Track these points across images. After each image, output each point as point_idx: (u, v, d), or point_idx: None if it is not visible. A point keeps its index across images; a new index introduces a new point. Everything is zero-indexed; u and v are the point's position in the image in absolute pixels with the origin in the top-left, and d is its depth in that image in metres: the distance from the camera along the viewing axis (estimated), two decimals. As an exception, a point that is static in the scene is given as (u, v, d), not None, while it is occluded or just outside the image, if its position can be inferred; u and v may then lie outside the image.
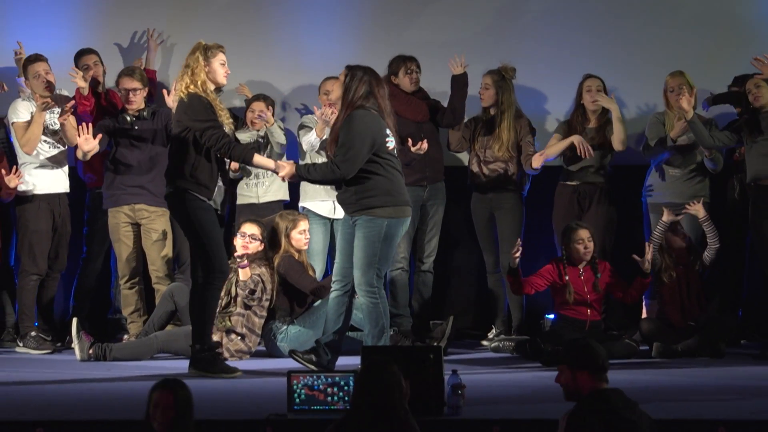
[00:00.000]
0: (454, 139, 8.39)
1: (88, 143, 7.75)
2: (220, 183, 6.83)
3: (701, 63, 8.62)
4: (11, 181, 7.79)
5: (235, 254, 7.70)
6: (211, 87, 6.81)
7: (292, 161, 6.96)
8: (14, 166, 7.90)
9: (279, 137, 8.19)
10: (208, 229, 6.75)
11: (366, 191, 6.55)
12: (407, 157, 8.07)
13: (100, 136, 7.84)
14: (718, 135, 7.92)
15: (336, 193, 6.79)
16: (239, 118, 8.22)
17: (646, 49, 8.73)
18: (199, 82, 6.74)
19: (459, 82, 8.25)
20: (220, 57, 6.83)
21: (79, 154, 7.84)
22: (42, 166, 8.07)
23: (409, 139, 7.92)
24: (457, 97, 8.26)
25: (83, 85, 8.08)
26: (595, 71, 8.35)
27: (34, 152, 7.97)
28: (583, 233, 7.68)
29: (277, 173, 6.84)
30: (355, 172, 6.52)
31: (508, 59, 8.35)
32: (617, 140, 8.16)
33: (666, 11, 8.79)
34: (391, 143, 6.65)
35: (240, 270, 7.63)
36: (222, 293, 7.66)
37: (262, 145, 8.19)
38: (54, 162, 8.12)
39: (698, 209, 7.90)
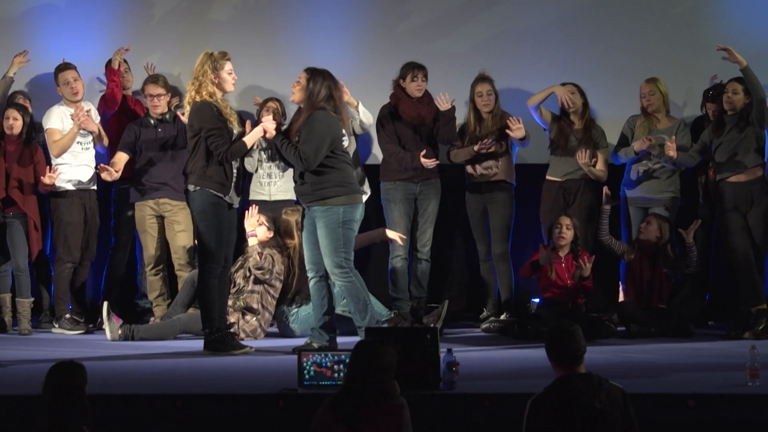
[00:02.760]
0: (458, 160, 8.39)
1: (111, 176, 7.93)
2: (236, 181, 6.86)
3: (679, 67, 8.63)
4: (49, 179, 7.85)
5: (247, 234, 7.76)
6: (220, 95, 6.82)
7: (276, 127, 6.88)
8: (50, 166, 7.96)
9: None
10: (218, 224, 6.78)
11: (321, 183, 6.62)
12: (414, 163, 8.10)
13: (121, 169, 8.01)
14: (693, 154, 7.94)
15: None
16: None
17: (629, 55, 8.72)
18: (204, 93, 6.75)
19: (447, 116, 8.25)
20: (228, 66, 6.84)
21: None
22: (74, 165, 8.13)
23: (424, 150, 8.05)
24: (445, 129, 8.26)
25: (117, 58, 8.27)
26: (579, 75, 8.37)
27: (67, 153, 8.06)
28: (564, 220, 7.73)
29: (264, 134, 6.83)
30: (316, 166, 6.59)
31: (501, 66, 8.40)
32: (596, 177, 8.21)
33: (646, 18, 8.79)
34: (346, 141, 6.73)
35: (249, 239, 7.68)
36: (240, 279, 7.70)
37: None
38: (84, 162, 8.17)
39: (687, 235, 7.86)
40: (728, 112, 7.73)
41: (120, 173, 8.01)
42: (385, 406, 4.33)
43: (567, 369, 4.29)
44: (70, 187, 8.09)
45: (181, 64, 8.67)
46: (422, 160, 8.05)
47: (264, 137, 6.88)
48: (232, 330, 7.06)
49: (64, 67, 8.16)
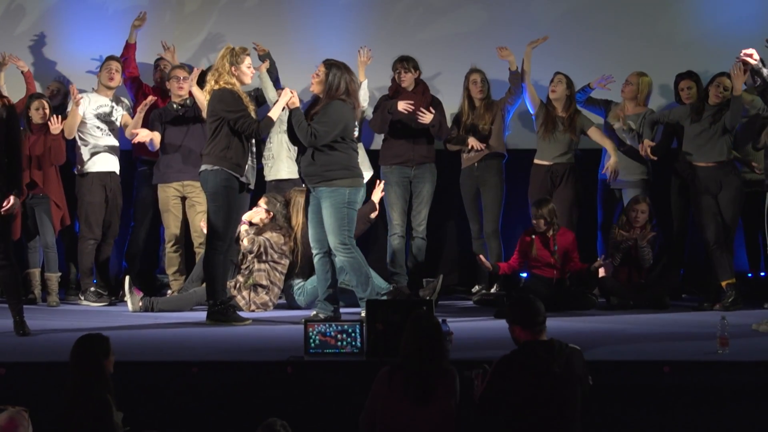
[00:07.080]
0: (453, 149, 8.39)
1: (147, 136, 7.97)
2: (251, 162, 6.84)
3: (663, 61, 8.62)
4: (55, 129, 7.82)
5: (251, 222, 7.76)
6: (239, 86, 6.83)
7: (297, 102, 6.86)
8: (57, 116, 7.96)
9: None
10: (228, 205, 6.77)
11: (329, 165, 6.62)
12: (390, 104, 8.11)
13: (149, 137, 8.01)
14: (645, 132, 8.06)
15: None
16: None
17: (619, 47, 8.73)
18: (222, 82, 6.76)
19: (435, 122, 8.19)
20: (247, 60, 6.86)
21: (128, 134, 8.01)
22: (96, 149, 8.12)
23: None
24: (436, 131, 8.23)
25: (138, 24, 8.40)
26: (568, 65, 8.37)
27: (90, 138, 8.10)
28: (542, 212, 7.63)
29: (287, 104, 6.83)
30: (320, 145, 6.59)
31: (493, 57, 8.37)
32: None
33: (637, 12, 8.81)
34: (356, 131, 6.74)
35: (241, 225, 7.70)
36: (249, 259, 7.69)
37: None
38: (106, 147, 8.16)
39: (641, 238, 7.81)
40: (711, 102, 7.69)
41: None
42: (440, 373, 4.33)
43: (530, 334, 4.32)
44: (91, 170, 8.09)
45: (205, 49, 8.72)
46: (399, 104, 8.05)
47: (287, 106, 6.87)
48: (231, 303, 7.00)
49: (111, 57, 8.21)
